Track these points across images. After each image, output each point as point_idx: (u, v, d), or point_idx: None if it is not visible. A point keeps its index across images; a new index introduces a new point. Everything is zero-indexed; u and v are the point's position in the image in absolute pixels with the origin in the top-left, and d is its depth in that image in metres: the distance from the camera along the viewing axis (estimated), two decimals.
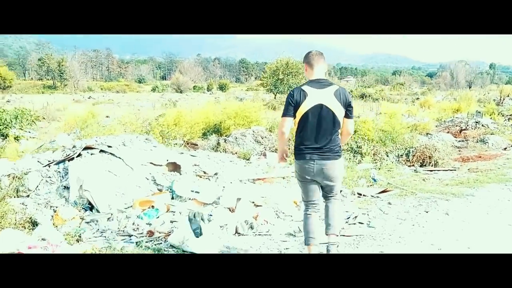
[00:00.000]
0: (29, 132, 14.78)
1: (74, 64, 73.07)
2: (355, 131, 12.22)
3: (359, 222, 5.77)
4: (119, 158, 6.24)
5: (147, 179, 6.45)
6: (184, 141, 10.53)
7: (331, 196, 4.26)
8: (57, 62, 71.59)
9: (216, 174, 7.67)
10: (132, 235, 5.03)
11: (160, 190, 6.34)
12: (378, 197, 7.15)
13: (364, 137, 11.91)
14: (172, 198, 6.26)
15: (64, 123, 11.89)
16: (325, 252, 4.08)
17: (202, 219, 4.97)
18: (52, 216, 5.27)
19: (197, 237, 4.72)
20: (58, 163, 6.05)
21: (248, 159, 9.86)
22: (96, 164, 5.93)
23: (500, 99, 28.87)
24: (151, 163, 6.70)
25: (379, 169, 9.34)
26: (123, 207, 5.66)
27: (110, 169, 5.99)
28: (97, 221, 5.31)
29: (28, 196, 5.66)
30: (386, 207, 6.52)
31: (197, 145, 10.17)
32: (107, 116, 13.48)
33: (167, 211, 5.77)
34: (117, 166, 6.13)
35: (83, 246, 4.63)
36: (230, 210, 5.91)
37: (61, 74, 70.57)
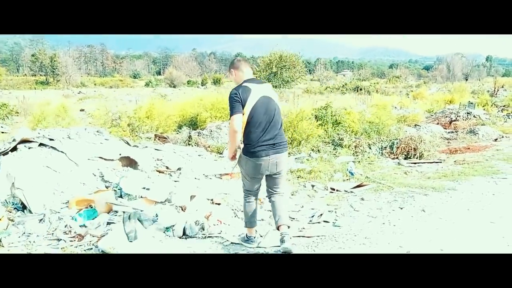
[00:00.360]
0: (1, 126, 14.16)
1: (67, 59, 71.98)
2: (338, 123, 11.66)
3: (324, 221, 5.18)
4: (61, 152, 5.63)
5: (94, 175, 5.85)
6: (155, 134, 9.91)
7: (276, 192, 4.28)
8: (49, 57, 70.57)
9: (179, 169, 7.07)
10: (61, 239, 4.43)
11: (108, 188, 5.73)
12: (351, 192, 6.56)
13: (348, 129, 11.33)
14: (121, 196, 5.65)
15: (32, 117, 11.24)
16: (279, 243, 4.03)
17: (140, 220, 4.38)
18: None
19: (131, 241, 4.12)
20: None
21: (221, 153, 9.26)
22: (32, 159, 5.32)
23: (494, 90, 28.27)
24: (100, 157, 6.08)
25: (359, 162, 8.74)
26: (61, 207, 5.04)
27: (50, 164, 5.38)
28: (24, 223, 4.70)
29: None
30: (358, 203, 5.93)
31: (166, 138, 9.55)
32: (82, 110, 12.83)
33: (108, 212, 5.17)
34: (58, 161, 5.52)
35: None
36: (182, 209, 5.31)
37: (54, 70, 69.57)
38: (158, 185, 5.73)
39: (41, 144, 5.62)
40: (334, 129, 11.23)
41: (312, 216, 5.32)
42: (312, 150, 9.72)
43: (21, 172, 5.11)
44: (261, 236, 4.67)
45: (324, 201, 6.10)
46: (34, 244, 4.31)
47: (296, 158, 9.06)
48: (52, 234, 4.53)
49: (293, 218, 5.32)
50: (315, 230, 4.85)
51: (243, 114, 3.92)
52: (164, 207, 5.22)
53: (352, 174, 7.66)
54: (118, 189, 5.67)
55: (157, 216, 4.90)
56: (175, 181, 6.41)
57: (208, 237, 4.73)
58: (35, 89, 60.43)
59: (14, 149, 5.50)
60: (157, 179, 6.10)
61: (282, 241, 4.02)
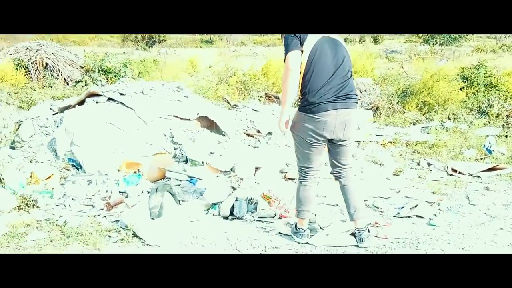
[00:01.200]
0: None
1: None
2: (493, 86, 9.40)
3: (417, 216, 3.87)
4: (130, 108, 5.20)
5: (165, 135, 5.33)
6: (265, 93, 9.16)
7: (346, 168, 3.29)
8: None
9: (270, 133, 6.22)
10: (95, 206, 3.99)
11: (176, 150, 5.18)
12: (478, 176, 4.97)
13: (504, 95, 9.05)
14: (186, 161, 5.05)
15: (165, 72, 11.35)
16: (357, 242, 3.32)
17: (171, 194, 3.69)
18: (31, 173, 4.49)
19: (153, 218, 3.46)
20: (59, 112, 5.27)
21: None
22: (97, 115, 4.99)
23: None
24: (175, 116, 5.54)
25: (506, 137, 6.79)
26: (114, 169, 4.64)
27: (114, 121, 4.99)
28: (73, 183, 4.39)
29: (22, 147, 5.00)
30: (479, 194, 4.41)
31: (277, 98, 8.71)
32: (210, 66, 12.67)
33: (161, 179, 4.61)
34: (125, 118, 5.10)
35: (23, 216, 3.75)
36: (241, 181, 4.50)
37: None
38: (231, 151, 4.97)
39: (110, 99, 5.25)
40: (486, 93, 9.06)
41: (402, 208, 4.03)
42: (448, 118, 7.95)
43: (82, 128, 4.81)
44: (321, 229, 3.63)
45: (433, 186, 4.68)
46: (67, 208, 3.95)
47: (422, 127, 7.48)
48: (90, 198, 4.11)
49: (377, 208, 4.11)
50: (395, 229, 3.60)
51: (302, 52, 2.98)
52: (219, 179, 4.46)
53: (489, 152, 5.91)
54: (183, 154, 5.08)
55: (205, 189, 4.16)
56: (255, 147, 5.59)
57: (257, 221, 3.84)
58: (200, 47, 64.47)
59: (82, 103, 5.23)
60: (233, 145, 5.34)
61: (360, 240, 3.29)
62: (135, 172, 4.43)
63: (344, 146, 3.16)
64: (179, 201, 4.02)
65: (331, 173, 3.36)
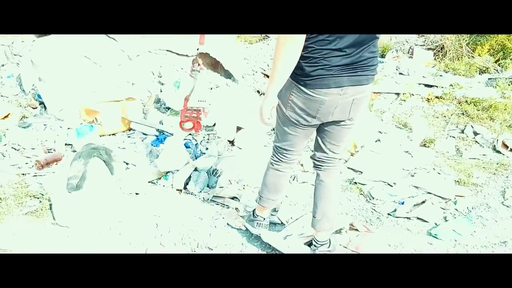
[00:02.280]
0: None
1: None
2: None
3: (419, 218, 2.91)
4: (113, 39, 4.44)
5: (153, 74, 4.56)
6: None
7: (334, 159, 2.40)
8: None
9: None
10: (31, 161, 3.43)
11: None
12: None
13: None
14: (169, 109, 4.30)
15: None
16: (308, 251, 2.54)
17: (104, 161, 3.02)
18: None
19: (69, 192, 2.82)
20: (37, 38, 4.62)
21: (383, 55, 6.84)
22: (70, 46, 4.29)
23: None
24: (168, 50, 4.71)
25: None
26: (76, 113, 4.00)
27: (91, 54, 4.29)
28: (29, 126, 3.84)
29: None
30: None
31: None
32: None
33: (124, 131, 3.92)
34: (106, 51, 4.37)
35: None
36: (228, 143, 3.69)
37: None
38: (226, 100, 4.12)
39: None
40: None
41: (402, 203, 3.05)
42: None
43: (51, 61, 4.16)
44: (281, 223, 2.81)
45: (466, 169, 3.59)
46: (5, 158, 3.42)
47: (489, 79, 6.02)
48: (34, 148, 3.54)
49: (371, 198, 3.17)
50: (376, 239, 2.67)
51: None
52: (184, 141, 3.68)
53: None
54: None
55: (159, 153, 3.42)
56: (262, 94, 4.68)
57: (211, 200, 3.08)
58: None
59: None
60: (231, 92, 4.47)
61: (312, 249, 2.53)
62: (94, 121, 3.77)
63: (343, 128, 2.25)
64: (127, 165, 3.34)
65: (311, 157, 2.46)
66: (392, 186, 3.29)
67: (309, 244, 2.54)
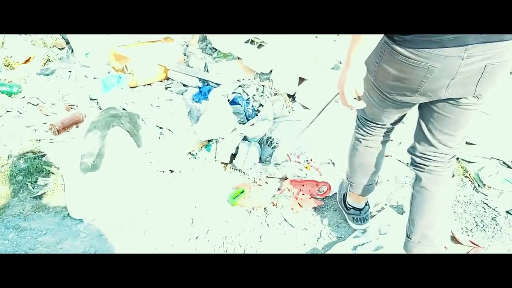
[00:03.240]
0: None
1: None
2: None
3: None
4: None
5: None
6: None
7: (446, 155, 1.61)
8: None
9: None
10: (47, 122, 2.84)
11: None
12: None
13: None
14: (215, 50, 3.51)
15: None
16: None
17: (128, 131, 2.38)
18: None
19: (84, 173, 2.22)
20: None
21: None
22: None
23: None
24: None
25: None
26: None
27: None
28: (52, 73, 3.23)
29: None
30: None
31: None
32: None
33: (160, 80, 3.20)
34: None
35: None
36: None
37: None
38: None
39: None
40: None
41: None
42: None
43: None
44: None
45: None
46: (21, 116, 2.87)
47: None
48: (54, 104, 2.95)
49: (483, 192, 2.33)
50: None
51: None
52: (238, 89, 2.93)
53: None
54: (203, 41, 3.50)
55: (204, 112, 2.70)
56: None
57: (266, 182, 2.39)
58: None
59: None
60: None
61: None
62: (124, 69, 3.08)
63: (464, 110, 1.47)
64: (160, 130, 2.68)
65: (409, 152, 1.70)
66: (511, 168, 2.42)
67: None
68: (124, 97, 2.89)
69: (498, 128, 2.66)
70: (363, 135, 1.81)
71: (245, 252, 1.96)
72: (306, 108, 2.93)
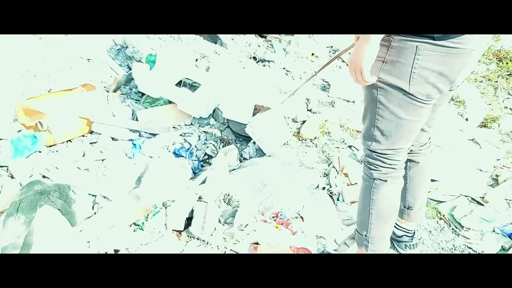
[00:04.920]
0: None
1: None
2: None
3: None
4: None
5: (115, 43, 3.32)
6: None
7: (430, 135, 1.80)
8: None
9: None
10: None
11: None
12: None
13: None
14: (138, 98, 3.11)
15: None
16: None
17: (59, 209, 1.89)
18: None
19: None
20: None
21: None
22: None
23: None
24: None
25: None
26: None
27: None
28: None
29: None
30: None
31: None
32: None
33: (82, 134, 2.73)
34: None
35: None
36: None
37: None
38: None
39: None
40: None
41: (509, 234, 2.11)
42: None
43: None
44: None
45: None
46: None
47: None
48: None
49: (463, 234, 2.20)
50: None
51: None
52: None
53: None
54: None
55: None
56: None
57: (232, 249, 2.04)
58: None
59: None
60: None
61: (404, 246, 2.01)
62: (38, 125, 2.55)
63: (449, 94, 1.65)
64: (94, 199, 2.22)
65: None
66: (483, 205, 2.33)
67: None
68: (43, 161, 2.38)
69: (457, 163, 2.60)
70: (386, 173, 1.60)
71: None
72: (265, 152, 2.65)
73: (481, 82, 3.83)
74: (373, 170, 1.62)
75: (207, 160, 2.66)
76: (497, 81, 3.78)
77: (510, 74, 3.90)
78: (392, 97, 1.43)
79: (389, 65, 1.38)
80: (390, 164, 1.59)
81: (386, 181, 1.61)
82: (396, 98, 1.43)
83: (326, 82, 3.67)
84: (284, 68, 3.70)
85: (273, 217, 2.23)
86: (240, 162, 2.61)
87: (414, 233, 1.99)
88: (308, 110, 3.26)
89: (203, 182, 2.33)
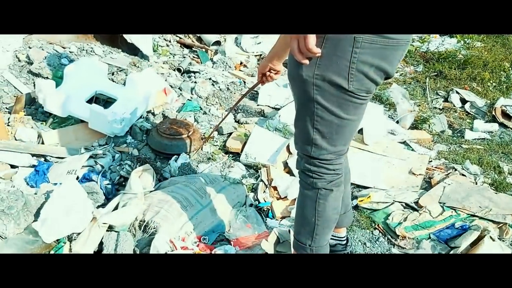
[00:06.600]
0: None
1: None
2: None
3: None
4: None
5: (17, 58, 2.99)
6: None
7: None
8: None
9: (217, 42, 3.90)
10: None
11: None
12: None
13: None
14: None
15: None
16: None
17: None
18: None
19: None
20: None
21: None
22: None
23: None
24: None
25: None
26: None
27: None
28: None
29: None
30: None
31: None
32: None
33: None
34: None
35: None
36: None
37: None
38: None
39: None
40: None
41: (443, 239, 2.01)
42: None
43: None
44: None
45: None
46: None
47: None
48: None
49: (398, 243, 2.07)
50: None
51: None
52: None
53: None
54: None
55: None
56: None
57: None
58: None
59: None
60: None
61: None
62: None
63: None
64: None
65: None
66: (417, 210, 2.21)
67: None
68: None
69: (389, 168, 2.49)
70: (331, 180, 1.45)
71: None
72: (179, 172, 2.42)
73: (410, 83, 3.82)
74: (316, 179, 1.45)
75: (123, 183, 2.40)
76: (425, 82, 3.78)
77: (437, 75, 3.92)
78: (331, 95, 1.27)
79: (325, 59, 1.21)
80: (334, 170, 1.44)
81: (332, 190, 1.45)
82: (334, 96, 1.28)
83: (254, 91, 3.50)
84: (210, 79, 3.50)
85: (195, 243, 2.00)
86: (160, 182, 2.37)
87: (347, 239, 1.85)
88: (236, 121, 3.08)
89: (115, 208, 2.08)
